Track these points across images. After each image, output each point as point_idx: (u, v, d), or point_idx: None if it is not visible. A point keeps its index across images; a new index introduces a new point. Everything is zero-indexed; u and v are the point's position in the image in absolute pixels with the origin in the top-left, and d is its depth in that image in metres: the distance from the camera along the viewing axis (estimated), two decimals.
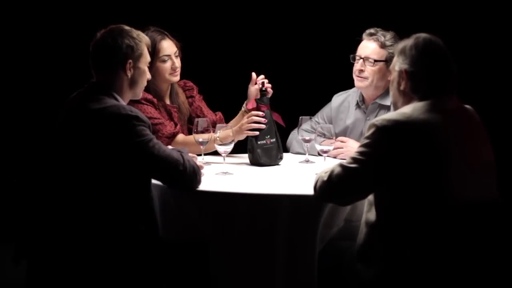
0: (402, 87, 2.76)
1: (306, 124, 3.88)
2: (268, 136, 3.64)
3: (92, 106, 2.85)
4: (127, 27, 3.03)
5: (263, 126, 3.63)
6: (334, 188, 2.74)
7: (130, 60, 2.98)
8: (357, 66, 3.84)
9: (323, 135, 3.61)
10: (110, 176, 2.82)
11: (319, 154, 3.54)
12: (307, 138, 3.65)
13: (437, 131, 2.61)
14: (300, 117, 3.70)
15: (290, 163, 3.72)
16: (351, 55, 3.86)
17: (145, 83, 3.10)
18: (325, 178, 2.76)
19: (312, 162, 3.65)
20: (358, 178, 2.68)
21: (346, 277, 2.87)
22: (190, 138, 3.68)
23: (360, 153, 2.68)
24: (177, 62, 3.86)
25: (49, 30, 5.19)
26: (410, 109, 2.67)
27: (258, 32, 5.40)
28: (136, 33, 3.04)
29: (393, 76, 2.81)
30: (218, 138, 3.35)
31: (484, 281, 2.65)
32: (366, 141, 2.68)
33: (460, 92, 2.80)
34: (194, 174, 2.93)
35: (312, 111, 4.10)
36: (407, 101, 2.75)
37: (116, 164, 2.81)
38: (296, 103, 4.15)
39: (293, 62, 5.42)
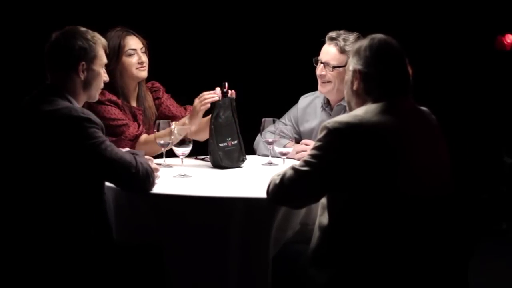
0: (355, 87, 2.73)
1: (274, 126, 3.86)
2: (230, 138, 3.61)
3: (43, 108, 2.82)
4: (82, 28, 3.00)
5: (216, 98, 3.62)
6: (286, 191, 2.71)
7: (83, 62, 2.95)
8: (318, 70, 3.83)
9: (284, 136, 3.59)
10: (61, 178, 2.78)
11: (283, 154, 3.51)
12: (270, 140, 3.62)
13: (390, 133, 2.59)
14: (263, 119, 3.67)
15: (253, 165, 3.69)
16: (314, 59, 3.84)
17: (100, 86, 3.06)
18: (277, 181, 2.73)
19: (275, 164, 3.62)
20: (310, 181, 2.65)
21: (300, 281, 2.84)
22: (151, 137, 3.67)
23: (312, 156, 2.65)
24: (144, 57, 3.87)
25: (7, 30, 5.16)
26: (362, 111, 2.65)
27: (225, 34, 5.41)
28: (91, 34, 3.01)
29: (347, 76, 2.79)
30: (175, 131, 3.34)
31: (437, 279, 2.64)
32: (318, 143, 2.65)
33: (421, 93, 2.78)
34: (147, 176, 2.89)
35: (279, 113, 4.08)
36: (361, 102, 2.73)
37: (67, 166, 2.78)
38: (262, 104, 4.14)
39: (259, 63, 5.42)
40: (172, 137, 3.33)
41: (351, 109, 2.79)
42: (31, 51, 4.46)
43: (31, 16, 5.15)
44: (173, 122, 3.38)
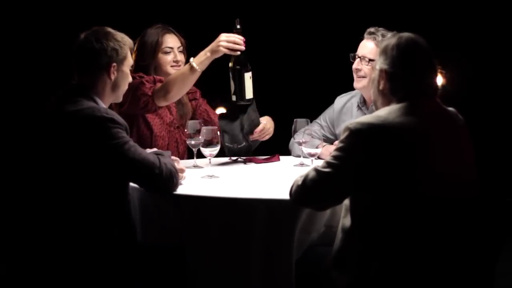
0: (381, 87, 2.68)
1: (312, 126, 3.84)
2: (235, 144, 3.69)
3: (67, 108, 2.83)
4: (111, 29, 3.00)
5: (242, 48, 3.51)
6: (308, 192, 2.67)
7: (115, 64, 2.95)
8: (354, 65, 3.79)
9: (314, 137, 3.55)
10: (85, 179, 2.79)
11: (318, 158, 3.47)
12: (300, 140, 3.57)
13: (413, 134, 2.53)
14: (295, 120, 3.62)
15: (285, 166, 3.66)
16: (351, 54, 3.80)
17: (126, 87, 3.07)
18: (300, 183, 2.70)
19: (307, 165, 3.57)
20: (332, 182, 2.61)
21: (323, 284, 2.80)
22: (168, 77, 3.74)
23: (334, 157, 2.61)
24: (180, 57, 3.92)
25: (34, 30, 5.23)
26: (386, 112, 2.59)
27: (261, 34, 5.38)
28: (121, 35, 3.01)
29: (374, 74, 2.73)
30: (193, 62, 3.49)
31: (462, 282, 2.57)
32: (340, 145, 2.60)
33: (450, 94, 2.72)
34: (171, 177, 2.88)
35: (315, 113, 4.04)
36: (387, 102, 2.68)
37: (91, 166, 2.79)
38: (298, 104, 4.10)
39: (295, 62, 5.39)
40: (200, 148, 3.32)
41: (377, 109, 2.74)
42: (55, 51, 4.53)
43: (57, 16, 5.20)
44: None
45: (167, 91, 3.62)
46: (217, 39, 3.51)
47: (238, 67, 3.53)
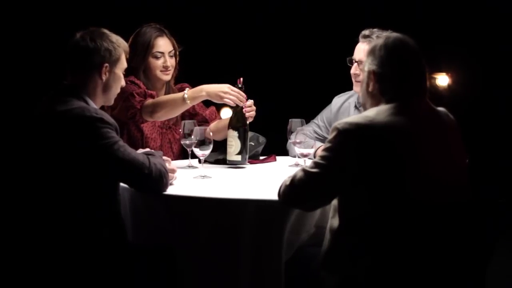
0: (370, 89, 2.66)
1: (308, 126, 3.82)
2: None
3: (57, 108, 2.84)
4: (106, 30, 3.02)
5: (245, 103, 3.56)
6: (296, 193, 2.66)
7: (107, 64, 2.96)
8: (352, 70, 3.76)
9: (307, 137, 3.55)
10: (74, 178, 2.80)
11: (314, 157, 3.46)
12: (295, 141, 3.57)
13: (400, 135, 2.51)
14: (290, 120, 3.61)
15: (280, 167, 3.66)
16: (348, 58, 3.78)
17: (118, 90, 3.07)
18: (288, 183, 2.69)
19: (301, 165, 3.56)
20: (319, 182, 2.60)
21: (313, 285, 2.79)
22: (161, 97, 3.75)
23: (322, 157, 2.60)
24: (170, 61, 3.88)
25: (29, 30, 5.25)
26: (374, 112, 2.58)
27: (258, 35, 5.40)
28: (116, 37, 3.02)
29: (363, 76, 2.72)
30: (186, 95, 3.54)
31: (451, 285, 2.56)
32: (328, 145, 2.59)
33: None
34: (160, 177, 2.88)
35: (311, 113, 4.03)
36: (376, 103, 2.66)
37: (80, 166, 2.79)
38: (294, 105, 4.09)
39: (289, 63, 5.37)
40: (193, 148, 3.32)
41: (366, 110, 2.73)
42: (49, 51, 4.54)
43: (52, 17, 5.22)
44: (186, 89, 3.58)
45: (155, 111, 3.66)
46: (221, 88, 3.54)
47: (244, 126, 3.58)
